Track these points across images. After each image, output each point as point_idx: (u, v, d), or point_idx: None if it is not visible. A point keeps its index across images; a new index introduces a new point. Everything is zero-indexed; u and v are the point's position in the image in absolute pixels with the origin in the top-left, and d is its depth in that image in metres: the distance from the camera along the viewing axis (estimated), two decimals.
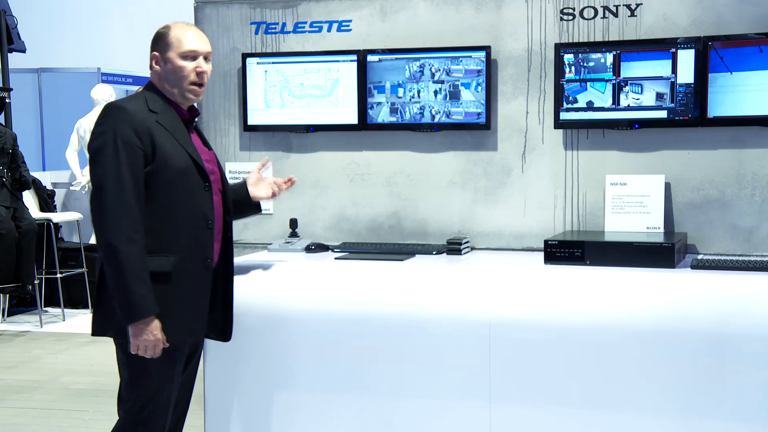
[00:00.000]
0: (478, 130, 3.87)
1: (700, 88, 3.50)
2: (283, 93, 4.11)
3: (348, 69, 3.99)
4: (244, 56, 4.14)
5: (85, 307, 7.69)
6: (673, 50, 3.53)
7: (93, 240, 7.95)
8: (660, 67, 3.56)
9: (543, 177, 3.82)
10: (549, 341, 3.08)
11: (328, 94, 4.01)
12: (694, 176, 3.62)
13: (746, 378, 2.89)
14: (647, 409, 2.99)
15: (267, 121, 4.14)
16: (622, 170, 3.69)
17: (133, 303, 2.76)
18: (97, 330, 2.94)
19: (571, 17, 3.75)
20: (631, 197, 3.65)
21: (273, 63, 4.10)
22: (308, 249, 3.84)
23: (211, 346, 3.38)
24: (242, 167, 4.23)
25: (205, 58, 2.99)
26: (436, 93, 3.88)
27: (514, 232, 3.85)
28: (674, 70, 3.54)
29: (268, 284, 3.42)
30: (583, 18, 3.74)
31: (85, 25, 12.61)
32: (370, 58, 3.95)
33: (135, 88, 9.84)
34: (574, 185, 3.79)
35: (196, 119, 3.09)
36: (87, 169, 8.02)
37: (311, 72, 4.05)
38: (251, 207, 3.34)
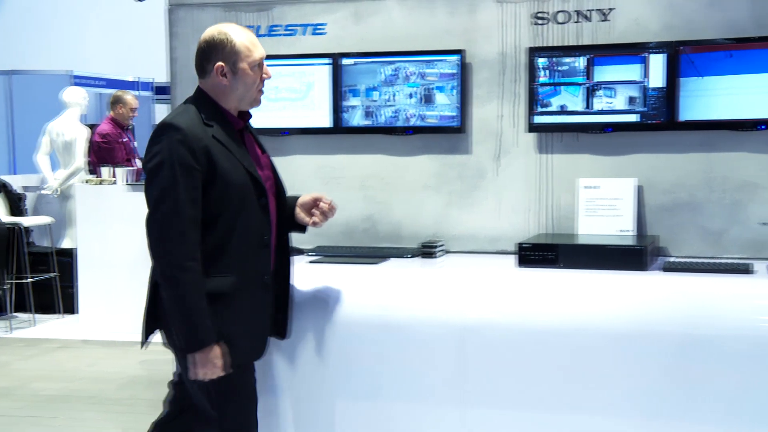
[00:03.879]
0: (452, 134, 3.88)
1: (671, 92, 3.54)
2: None
3: (322, 72, 3.99)
4: None
5: (56, 312, 7.61)
6: (645, 54, 3.57)
7: (61, 245, 7.88)
8: (632, 71, 3.60)
9: (517, 180, 3.84)
10: (522, 344, 3.09)
11: (302, 98, 4.00)
12: (665, 179, 3.66)
13: (716, 379, 2.92)
14: (619, 411, 3.01)
15: None
16: (594, 173, 3.72)
17: (193, 334, 2.70)
18: (171, 343, 2.86)
19: (544, 21, 3.78)
20: (603, 200, 3.67)
21: None
22: None
23: None
24: None
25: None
26: (410, 96, 3.89)
27: (488, 235, 3.87)
28: (646, 74, 3.57)
29: None
30: (557, 22, 3.76)
31: (56, 28, 12.52)
32: (345, 61, 3.95)
33: (108, 91, 9.77)
34: (547, 188, 3.82)
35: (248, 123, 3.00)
36: (59, 171, 8.02)
37: (286, 75, 4.04)
38: (294, 226, 3.10)
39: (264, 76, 2.88)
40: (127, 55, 11.85)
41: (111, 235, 6.79)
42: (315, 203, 3.04)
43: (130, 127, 8.17)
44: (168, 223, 2.68)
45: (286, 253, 3.05)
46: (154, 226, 2.71)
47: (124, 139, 7.96)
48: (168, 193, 2.67)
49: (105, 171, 7.11)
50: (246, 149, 2.89)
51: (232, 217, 2.78)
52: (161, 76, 9.55)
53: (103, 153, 7.76)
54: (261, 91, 2.90)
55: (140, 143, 9.00)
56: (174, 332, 2.76)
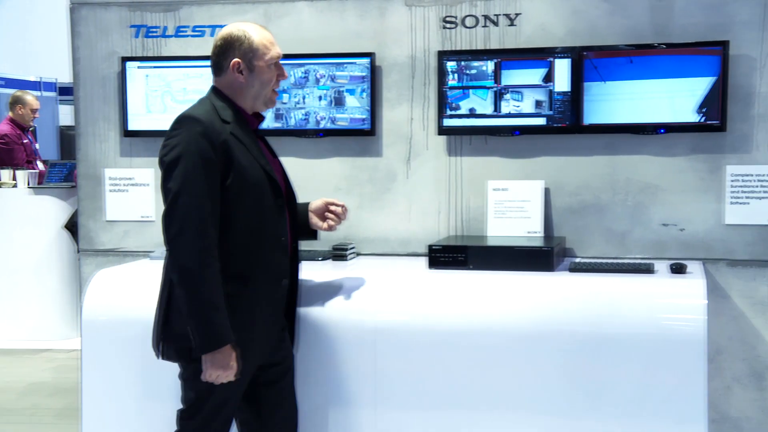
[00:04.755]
0: (363, 136, 3.89)
1: (576, 97, 3.63)
2: (165, 98, 4.02)
3: None
4: (124, 60, 4.04)
5: None
6: (551, 59, 3.64)
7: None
8: (538, 75, 3.67)
9: (427, 183, 3.87)
10: (433, 345, 3.11)
11: None
12: (571, 182, 3.74)
13: (620, 376, 3.00)
14: (528, 408, 3.06)
15: (148, 126, 4.05)
16: (503, 176, 3.78)
17: (211, 332, 2.59)
18: (166, 355, 2.76)
19: (453, 26, 3.82)
20: (512, 202, 3.73)
21: (154, 67, 4.01)
22: None
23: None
24: (123, 173, 4.13)
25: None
26: (321, 99, 3.88)
27: (399, 237, 3.89)
28: (552, 79, 3.65)
29: (152, 292, 3.35)
30: (465, 26, 3.81)
31: None
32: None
33: (8, 91, 9.44)
34: (457, 191, 3.86)
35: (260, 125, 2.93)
36: None
37: (194, 77, 3.98)
38: (307, 233, 3.06)
39: (280, 76, 2.81)
40: (29, 53, 11.48)
41: (12, 240, 6.58)
42: (327, 208, 3.04)
43: (31, 128, 7.92)
44: (188, 217, 2.58)
45: (296, 262, 2.98)
46: (174, 221, 2.60)
47: (25, 141, 7.71)
48: (188, 187, 2.58)
49: (5, 173, 6.88)
50: (262, 150, 2.83)
51: (249, 217, 2.71)
52: (65, 77, 9.31)
53: (2, 155, 7.51)
54: (276, 92, 2.84)
55: (43, 145, 8.75)
56: (190, 332, 2.62)
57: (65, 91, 11.00)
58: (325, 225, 3.02)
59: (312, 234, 3.08)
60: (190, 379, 2.76)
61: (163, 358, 2.78)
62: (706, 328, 2.95)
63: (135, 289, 3.38)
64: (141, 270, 3.58)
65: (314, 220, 3.04)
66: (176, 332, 2.71)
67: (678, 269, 3.30)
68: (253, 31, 2.79)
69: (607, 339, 3.00)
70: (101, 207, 4.17)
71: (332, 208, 3.03)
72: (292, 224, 2.92)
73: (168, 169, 2.64)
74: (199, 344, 2.62)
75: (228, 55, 2.78)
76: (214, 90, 2.82)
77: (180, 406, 2.84)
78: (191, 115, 2.70)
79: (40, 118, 8.10)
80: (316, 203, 3.05)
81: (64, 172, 6.84)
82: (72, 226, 6.25)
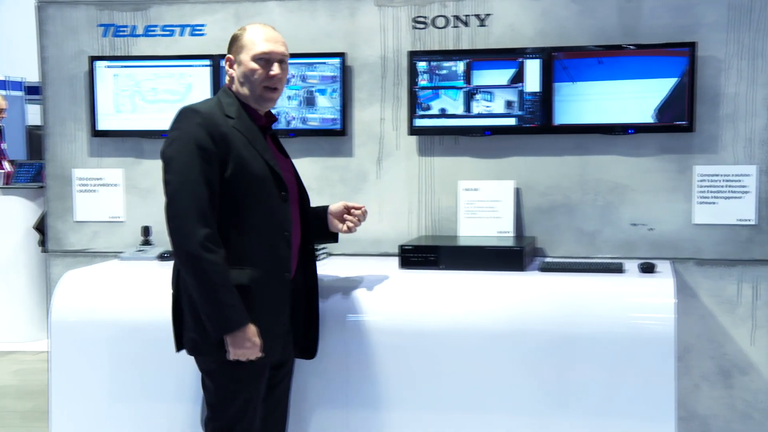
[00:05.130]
0: (334, 137, 3.88)
1: (546, 97, 3.64)
2: (134, 98, 3.99)
3: (202, 74, 3.92)
4: (92, 59, 4.00)
5: None
6: (521, 60, 3.66)
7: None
8: (509, 75, 3.68)
9: (398, 183, 3.87)
10: (404, 345, 3.12)
11: (181, 99, 3.92)
12: (542, 182, 3.76)
13: (590, 374, 3.02)
14: (498, 408, 3.07)
15: (117, 126, 4.02)
16: (474, 176, 3.79)
17: (228, 314, 2.61)
18: (193, 350, 2.78)
19: (423, 26, 3.82)
20: (483, 202, 3.75)
21: (123, 67, 3.98)
22: (162, 257, 3.74)
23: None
24: (92, 173, 4.09)
25: (281, 62, 2.81)
26: (291, 99, 3.87)
27: (371, 237, 3.88)
28: (522, 79, 3.67)
29: (122, 293, 3.33)
30: (435, 27, 3.82)
31: None
32: (226, 65, 3.88)
33: None
34: (428, 191, 3.86)
35: (273, 125, 2.94)
36: None
37: (164, 77, 3.95)
38: (327, 235, 3.11)
39: (271, 73, 2.79)
40: None
41: None
42: (347, 210, 3.06)
43: None
44: (189, 205, 2.62)
45: (312, 265, 2.98)
46: (174, 210, 2.64)
47: None
48: (186, 176, 2.64)
49: None
50: (268, 146, 2.84)
51: (251, 208, 2.73)
52: (33, 76, 9.20)
53: None
54: (268, 89, 2.81)
55: (11, 145, 8.64)
56: (204, 318, 2.64)
57: (33, 91, 10.88)
58: (344, 227, 3.06)
59: (332, 237, 3.13)
60: (207, 373, 2.79)
61: (190, 353, 2.81)
62: (675, 327, 2.98)
63: (104, 290, 3.35)
64: (110, 271, 3.55)
65: (334, 222, 3.07)
66: (187, 325, 2.76)
67: (647, 269, 3.32)
68: (251, 29, 2.84)
69: (577, 338, 3.02)
70: (70, 207, 4.13)
71: (352, 210, 3.06)
72: (303, 224, 2.94)
73: (168, 160, 2.70)
74: (216, 326, 2.64)
75: (228, 51, 2.87)
76: (224, 86, 2.88)
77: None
78: (191, 107, 2.77)
79: (7, 118, 8.01)
80: (335, 206, 3.08)
81: (31, 172, 6.77)
82: (42, 227, 6.18)
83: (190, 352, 2.80)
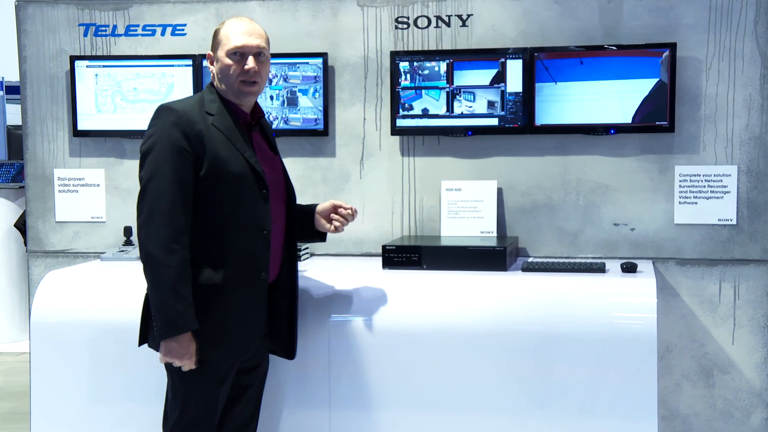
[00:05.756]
0: (316, 137, 3.88)
1: (528, 97, 3.65)
2: (116, 97, 3.97)
3: (183, 74, 3.90)
4: (73, 59, 3.97)
5: None
6: (503, 60, 3.67)
7: None
8: (491, 76, 3.69)
9: (381, 183, 3.87)
10: (387, 345, 3.12)
11: (162, 99, 3.90)
12: (524, 182, 3.77)
13: (572, 373, 3.03)
14: (480, 407, 3.08)
15: (98, 126, 3.99)
16: (457, 176, 3.80)
17: (167, 318, 2.59)
18: (142, 339, 2.81)
19: (405, 26, 3.82)
20: (465, 202, 3.75)
21: (104, 66, 3.96)
22: None
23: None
24: (73, 174, 4.06)
25: (258, 54, 2.77)
26: (273, 99, 3.86)
27: (353, 237, 3.88)
28: (504, 79, 3.67)
29: (103, 294, 3.31)
30: (417, 27, 3.82)
31: None
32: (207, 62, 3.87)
33: None
34: (411, 191, 3.87)
35: (261, 120, 2.91)
36: None
37: (145, 76, 3.93)
38: (313, 234, 3.07)
39: (246, 67, 2.76)
40: None
41: None
42: (334, 209, 3.02)
43: None
44: (156, 204, 2.61)
45: (293, 265, 2.96)
46: (142, 208, 2.63)
47: None
48: (157, 174, 2.62)
49: None
50: (251, 143, 2.81)
51: (228, 206, 2.70)
52: (12, 75, 9.13)
53: None
54: (245, 83, 2.77)
55: None
56: (153, 319, 2.64)
57: (12, 90, 10.80)
58: (331, 227, 3.02)
59: (320, 236, 3.09)
60: (169, 371, 2.79)
61: (140, 345, 2.84)
62: (656, 327, 2.99)
63: (85, 291, 3.33)
64: (91, 271, 3.53)
65: (321, 221, 3.03)
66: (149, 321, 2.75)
67: (629, 268, 3.34)
68: (228, 23, 2.83)
69: (560, 338, 3.03)
70: (51, 208, 4.10)
71: (340, 210, 3.03)
72: (288, 221, 2.92)
73: (142, 158, 2.70)
74: (159, 330, 2.63)
75: (210, 48, 2.86)
76: (210, 84, 2.87)
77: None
78: (168, 105, 2.76)
79: None
80: (323, 205, 3.05)
81: (11, 172, 6.72)
82: (22, 225, 6.14)
83: (151, 346, 2.80)
